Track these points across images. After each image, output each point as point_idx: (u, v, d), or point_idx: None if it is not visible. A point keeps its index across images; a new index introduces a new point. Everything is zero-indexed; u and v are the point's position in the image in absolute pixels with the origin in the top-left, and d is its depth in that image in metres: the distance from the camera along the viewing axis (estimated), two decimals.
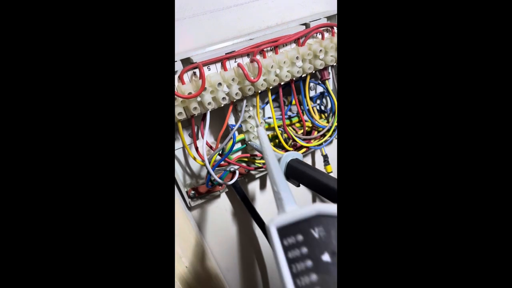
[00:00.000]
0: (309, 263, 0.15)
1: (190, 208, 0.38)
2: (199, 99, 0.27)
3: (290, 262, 0.15)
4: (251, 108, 0.34)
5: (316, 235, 0.16)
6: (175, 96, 0.26)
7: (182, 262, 0.37)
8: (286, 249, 0.15)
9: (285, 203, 0.19)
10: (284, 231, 0.16)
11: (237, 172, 0.35)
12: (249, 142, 0.35)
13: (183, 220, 0.37)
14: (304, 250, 0.15)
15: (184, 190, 0.35)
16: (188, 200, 0.36)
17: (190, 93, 0.26)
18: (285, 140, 0.37)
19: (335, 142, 0.46)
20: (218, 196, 0.40)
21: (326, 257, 0.15)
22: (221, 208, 0.41)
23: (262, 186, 0.44)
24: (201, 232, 0.41)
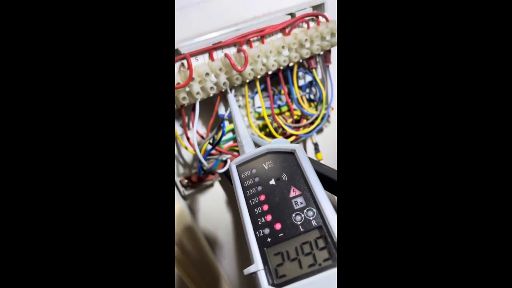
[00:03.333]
0: (259, 188, 0.19)
1: (184, 197, 0.39)
2: (187, 89, 0.28)
3: (245, 189, 0.20)
4: (240, 98, 0.35)
5: (266, 167, 0.20)
6: None
7: (178, 250, 0.38)
8: (242, 180, 0.20)
9: (245, 148, 0.24)
10: (242, 167, 0.21)
11: (229, 161, 0.36)
12: None
13: (177, 209, 0.38)
14: (256, 179, 0.20)
15: (177, 180, 0.36)
16: (181, 189, 0.37)
17: (178, 83, 0.26)
18: (275, 129, 0.38)
19: (325, 130, 0.47)
20: (212, 185, 0.41)
21: (272, 182, 0.19)
22: (214, 197, 0.42)
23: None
24: (196, 220, 0.42)
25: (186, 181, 0.36)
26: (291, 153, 0.20)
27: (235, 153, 0.37)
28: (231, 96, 0.27)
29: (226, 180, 0.41)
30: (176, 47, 0.28)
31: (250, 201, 0.19)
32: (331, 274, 0.15)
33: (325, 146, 0.47)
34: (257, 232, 0.18)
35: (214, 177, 0.39)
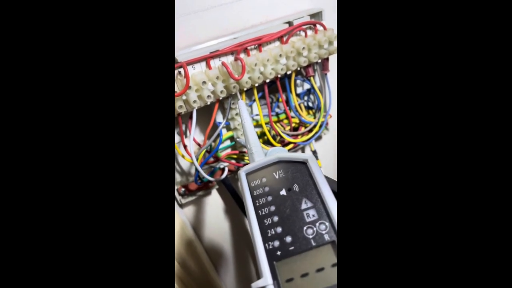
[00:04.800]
0: (269, 198, 0.19)
1: (181, 206, 0.39)
2: (184, 97, 0.28)
3: (255, 198, 0.19)
4: (237, 106, 0.35)
5: (276, 176, 0.20)
6: None
7: (176, 261, 0.38)
8: (252, 189, 0.20)
9: (255, 156, 0.23)
10: (252, 175, 0.21)
11: (226, 169, 0.35)
12: (237, 139, 0.36)
13: (176, 218, 0.37)
14: (266, 188, 0.19)
15: (174, 188, 0.36)
16: (179, 197, 0.37)
17: (175, 91, 0.26)
18: (273, 136, 0.38)
19: (324, 138, 0.47)
20: (209, 193, 0.41)
21: (283, 192, 0.19)
22: (212, 205, 0.42)
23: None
24: (193, 229, 0.42)
25: (183, 189, 0.36)
26: (303, 163, 0.19)
27: (233, 161, 0.37)
28: (241, 103, 0.27)
29: (224, 188, 0.41)
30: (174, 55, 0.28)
31: (259, 211, 0.18)
32: None
33: (324, 153, 0.46)
34: (266, 244, 0.17)
35: (212, 185, 0.38)
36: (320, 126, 0.38)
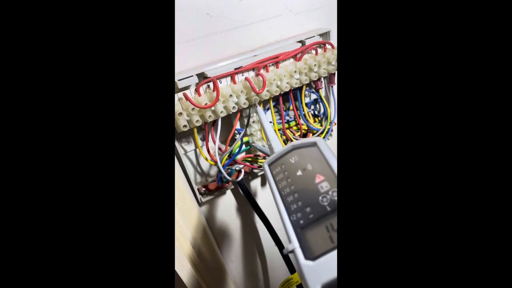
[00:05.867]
0: (289, 180, 0.22)
1: (200, 204, 0.42)
2: (213, 108, 0.31)
3: (277, 182, 0.23)
4: (254, 114, 0.39)
5: (292, 161, 0.23)
6: (194, 106, 0.30)
7: (193, 250, 0.41)
8: (274, 176, 0.23)
9: (275, 149, 0.28)
10: (273, 165, 0.25)
11: (243, 170, 0.39)
12: (252, 144, 0.40)
13: (194, 214, 0.41)
14: (286, 173, 0.23)
15: (195, 188, 0.40)
16: (199, 196, 0.40)
17: (206, 103, 0.30)
18: (284, 141, 0.42)
19: (328, 143, 0.51)
20: (225, 193, 0.44)
21: (299, 173, 0.22)
22: (226, 204, 0.46)
23: (263, 183, 0.49)
24: (208, 226, 0.46)
25: (203, 189, 0.40)
26: (313, 145, 0.23)
27: (247, 164, 0.40)
28: (259, 109, 0.32)
29: (237, 188, 0.45)
30: (202, 70, 0.32)
31: (282, 192, 0.22)
32: None
33: None
34: (291, 217, 0.20)
35: (228, 185, 0.42)
36: (327, 133, 0.43)
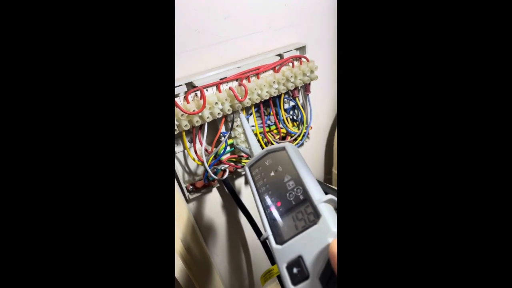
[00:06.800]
0: (264, 179, 0.26)
1: (188, 201, 0.46)
2: (200, 114, 0.35)
3: (255, 182, 0.27)
4: (238, 119, 0.43)
5: (267, 163, 0.27)
6: (183, 113, 0.34)
7: (182, 246, 0.45)
8: (253, 176, 0.28)
9: (254, 152, 0.32)
10: (252, 167, 0.29)
11: (227, 170, 0.43)
12: (236, 145, 0.44)
13: (183, 211, 0.45)
14: (262, 174, 0.27)
15: (183, 185, 0.43)
16: (187, 193, 0.44)
17: (194, 110, 0.34)
18: (265, 143, 0.46)
19: (305, 145, 0.56)
20: (211, 190, 0.48)
21: (272, 173, 0.26)
22: (212, 201, 0.50)
23: (247, 181, 0.53)
24: (196, 222, 0.49)
25: (191, 187, 0.43)
26: (283, 150, 0.27)
27: (232, 164, 0.44)
28: (242, 115, 0.36)
29: (223, 187, 0.48)
30: (190, 80, 0.36)
31: (260, 190, 0.26)
32: (315, 229, 0.20)
33: (306, 158, 0.55)
34: (266, 211, 0.25)
35: (214, 183, 0.46)
36: (303, 136, 0.47)
